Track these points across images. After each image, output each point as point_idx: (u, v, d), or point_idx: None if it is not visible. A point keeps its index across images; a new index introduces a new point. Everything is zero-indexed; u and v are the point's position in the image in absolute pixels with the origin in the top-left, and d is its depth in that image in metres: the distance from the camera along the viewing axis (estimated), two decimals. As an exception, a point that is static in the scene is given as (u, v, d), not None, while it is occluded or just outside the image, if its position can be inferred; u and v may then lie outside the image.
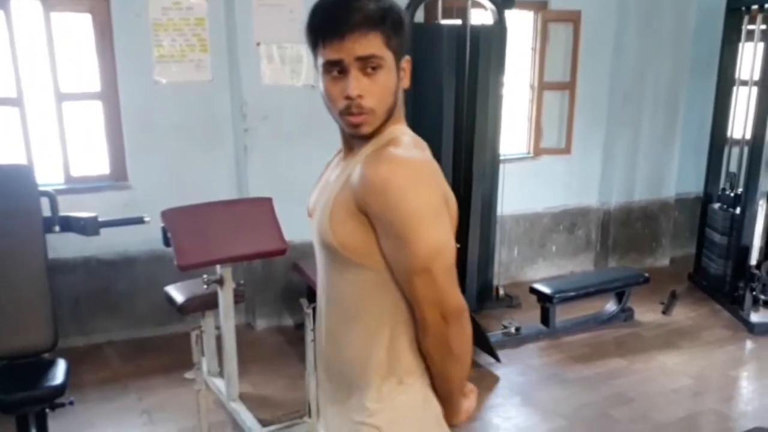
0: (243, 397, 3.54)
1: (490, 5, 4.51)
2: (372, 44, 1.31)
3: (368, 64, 1.32)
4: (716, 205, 5.24)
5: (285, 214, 3.36)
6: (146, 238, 4.01)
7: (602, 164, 5.72)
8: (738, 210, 4.97)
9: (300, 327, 3.81)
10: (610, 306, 4.80)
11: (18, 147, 4.03)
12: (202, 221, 3.22)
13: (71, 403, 3.04)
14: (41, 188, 3.41)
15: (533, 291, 4.58)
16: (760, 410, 3.69)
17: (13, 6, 3.87)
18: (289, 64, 4.29)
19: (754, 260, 4.90)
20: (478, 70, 4.43)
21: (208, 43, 4.28)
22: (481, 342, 4.15)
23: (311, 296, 3.28)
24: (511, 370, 4.09)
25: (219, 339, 3.57)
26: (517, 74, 5.25)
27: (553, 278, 5.38)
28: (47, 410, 2.99)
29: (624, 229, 5.79)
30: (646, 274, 4.87)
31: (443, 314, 1.34)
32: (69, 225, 3.43)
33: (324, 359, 1.55)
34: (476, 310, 4.79)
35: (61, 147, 4.16)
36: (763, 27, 4.95)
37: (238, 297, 3.48)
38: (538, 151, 5.45)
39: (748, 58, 5.05)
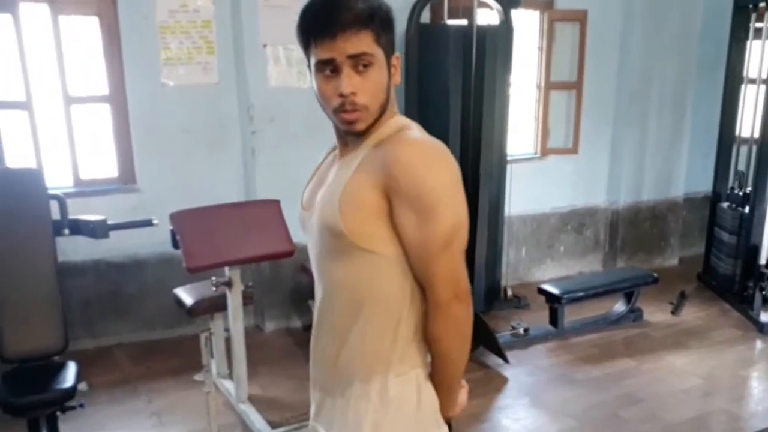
0: (252, 399, 3.55)
1: (496, 5, 4.51)
2: (363, 42, 1.34)
3: (360, 62, 1.35)
4: (725, 204, 5.21)
5: (292, 215, 3.34)
6: (155, 241, 4.02)
7: (610, 164, 5.70)
8: (747, 209, 4.94)
9: (308, 328, 3.82)
10: (619, 306, 4.78)
11: (27, 151, 4.04)
12: (211, 223, 3.23)
13: (81, 405, 3.06)
14: (51, 191, 3.43)
15: (541, 291, 4.57)
16: (770, 410, 3.67)
17: (22, 10, 3.89)
18: (296, 66, 4.29)
19: (763, 259, 4.89)
20: (484, 70, 4.43)
21: (215, 45, 4.30)
22: (490, 343, 4.15)
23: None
24: (519, 371, 4.08)
25: (228, 341, 3.58)
26: (523, 74, 5.24)
27: (562, 279, 5.37)
28: (58, 413, 3.01)
29: (632, 229, 5.78)
30: (655, 274, 4.86)
31: (456, 293, 1.39)
32: (78, 228, 3.45)
33: (323, 352, 1.55)
34: (484, 310, 4.79)
35: (70, 150, 4.18)
36: (771, 25, 4.93)
37: (247, 299, 3.48)
38: (545, 151, 5.44)
39: (755, 56, 5.03)
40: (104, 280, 4.31)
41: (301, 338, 4.40)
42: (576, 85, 5.34)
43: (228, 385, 3.67)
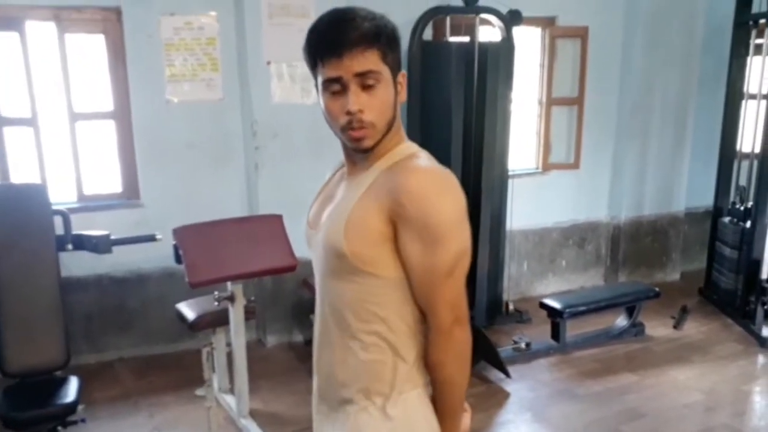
0: (253, 414, 3.55)
1: (497, 22, 4.55)
2: (369, 60, 1.36)
3: (366, 80, 1.37)
4: (726, 219, 5.22)
5: (295, 230, 3.37)
6: (158, 256, 4.05)
7: (611, 179, 5.72)
8: (748, 224, 4.95)
9: (310, 343, 3.83)
10: (621, 321, 4.78)
11: (32, 166, 4.09)
12: (213, 238, 3.26)
13: (83, 420, 3.07)
14: (54, 207, 3.47)
15: (543, 306, 4.57)
16: (773, 426, 3.67)
17: (28, 28, 3.94)
18: (299, 83, 4.33)
19: (765, 274, 4.88)
20: (486, 86, 4.46)
21: (219, 62, 4.34)
22: (492, 357, 4.15)
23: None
24: (521, 385, 4.08)
25: (230, 356, 3.59)
26: (525, 90, 5.27)
27: (563, 293, 5.37)
28: (59, 428, 3.02)
29: (634, 244, 5.78)
30: (657, 289, 4.85)
31: (457, 317, 1.42)
32: (82, 243, 3.48)
33: (326, 370, 1.56)
34: (486, 325, 4.79)
35: (74, 166, 4.21)
36: (771, 41, 4.96)
37: (249, 314, 3.50)
38: (546, 166, 5.46)
39: (756, 72, 5.05)
40: (107, 294, 4.32)
41: (303, 353, 4.40)
42: (577, 101, 5.37)
43: (229, 399, 3.68)
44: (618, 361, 4.41)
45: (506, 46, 4.60)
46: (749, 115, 5.13)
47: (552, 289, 5.59)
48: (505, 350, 4.38)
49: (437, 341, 1.42)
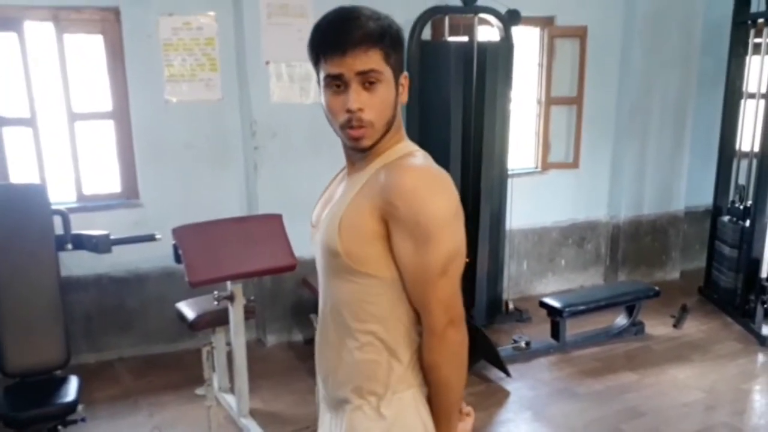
0: (253, 413, 3.55)
1: (496, 22, 4.55)
2: (372, 60, 1.36)
3: (368, 79, 1.37)
4: (726, 218, 5.22)
5: (294, 230, 3.39)
6: (157, 255, 4.05)
7: (610, 178, 5.72)
8: (748, 223, 4.95)
9: (310, 342, 3.83)
10: (621, 320, 4.79)
11: (31, 166, 4.09)
12: (213, 238, 3.26)
13: (83, 419, 3.07)
14: (54, 207, 3.46)
15: (543, 305, 4.58)
16: (773, 424, 3.67)
17: (27, 28, 3.94)
18: (298, 82, 4.33)
19: (764, 273, 4.89)
20: (485, 86, 4.46)
21: (217, 62, 4.34)
22: (492, 356, 4.15)
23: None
24: (521, 384, 4.08)
25: (230, 355, 3.59)
26: (524, 89, 5.28)
27: (563, 292, 5.38)
28: (59, 427, 3.02)
29: (633, 243, 5.78)
30: (657, 288, 4.86)
31: (452, 318, 1.40)
32: (81, 243, 3.48)
33: (325, 369, 1.57)
34: (486, 324, 4.79)
35: (74, 166, 4.21)
36: (770, 40, 4.97)
37: (249, 313, 3.50)
38: (545, 166, 5.46)
39: (755, 71, 5.06)
40: (106, 294, 4.32)
41: (303, 352, 4.41)
42: (576, 100, 5.37)
43: (229, 399, 3.68)
44: (618, 360, 4.41)
45: (505, 46, 4.60)
46: (748, 114, 5.13)
47: (552, 288, 5.59)
48: (505, 349, 4.38)
49: (431, 343, 1.42)
